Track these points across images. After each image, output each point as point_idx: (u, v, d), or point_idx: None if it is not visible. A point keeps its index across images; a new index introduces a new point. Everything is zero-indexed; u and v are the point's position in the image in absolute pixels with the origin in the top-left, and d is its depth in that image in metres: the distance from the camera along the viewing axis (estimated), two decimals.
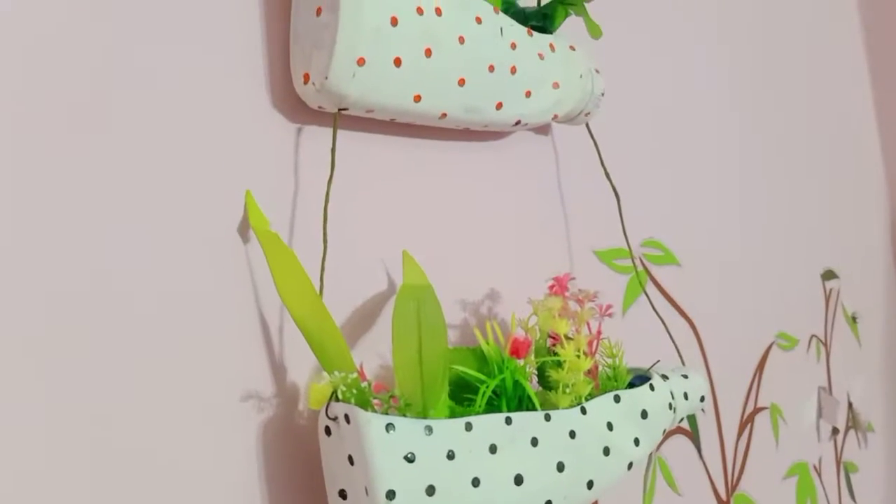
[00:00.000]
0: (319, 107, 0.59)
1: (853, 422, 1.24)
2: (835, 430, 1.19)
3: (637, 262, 0.90)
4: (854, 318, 1.29)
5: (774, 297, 1.13)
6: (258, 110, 0.58)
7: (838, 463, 1.21)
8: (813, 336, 1.19)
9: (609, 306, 0.66)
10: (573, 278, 0.67)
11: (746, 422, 1.03)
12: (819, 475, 1.16)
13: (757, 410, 1.05)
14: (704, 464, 0.96)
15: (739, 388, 1.03)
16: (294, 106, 0.60)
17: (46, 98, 0.48)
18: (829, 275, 1.25)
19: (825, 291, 1.24)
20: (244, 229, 0.56)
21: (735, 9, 1.17)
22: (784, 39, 1.28)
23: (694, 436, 0.94)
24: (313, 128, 0.61)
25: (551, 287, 0.65)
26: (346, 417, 0.50)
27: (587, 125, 0.79)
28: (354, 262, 0.62)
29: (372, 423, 0.49)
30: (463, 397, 0.59)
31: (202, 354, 0.53)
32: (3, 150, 0.46)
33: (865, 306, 1.34)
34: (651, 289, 0.91)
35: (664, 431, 0.69)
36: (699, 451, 0.95)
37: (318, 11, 0.57)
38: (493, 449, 0.55)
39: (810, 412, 1.15)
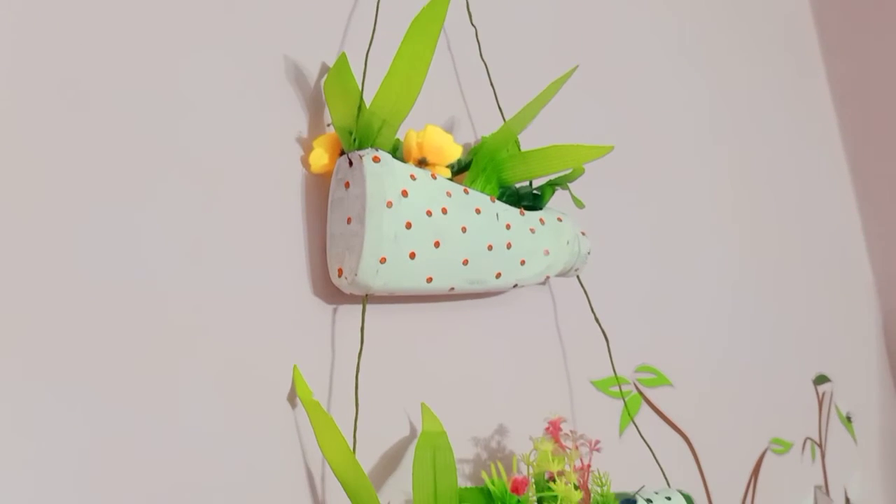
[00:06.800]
0: (351, 293, 0.73)
1: None
2: None
3: (632, 387, 1.02)
4: (849, 418, 1.38)
5: (767, 405, 1.23)
6: (301, 297, 0.73)
7: None
8: (807, 439, 1.29)
9: (597, 442, 0.79)
10: (565, 420, 0.80)
11: None
12: None
13: None
14: None
15: (735, 495, 1.13)
16: (330, 291, 0.75)
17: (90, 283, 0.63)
18: (821, 379, 1.35)
19: (818, 395, 1.34)
20: (292, 397, 0.70)
21: (717, 150, 1.31)
22: (769, 156, 1.41)
23: None
24: (346, 307, 0.76)
25: (547, 429, 0.78)
26: None
27: (578, 277, 0.93)
28: (382, 414, 0.76)
29: None
30: None
31: (258, 500, 0.66)
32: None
33: (860, 404, 1.43)
34: (646, 410, 1.03)
35: None
36: None
37: (349, 220, 0.72)
38: None
39: None
